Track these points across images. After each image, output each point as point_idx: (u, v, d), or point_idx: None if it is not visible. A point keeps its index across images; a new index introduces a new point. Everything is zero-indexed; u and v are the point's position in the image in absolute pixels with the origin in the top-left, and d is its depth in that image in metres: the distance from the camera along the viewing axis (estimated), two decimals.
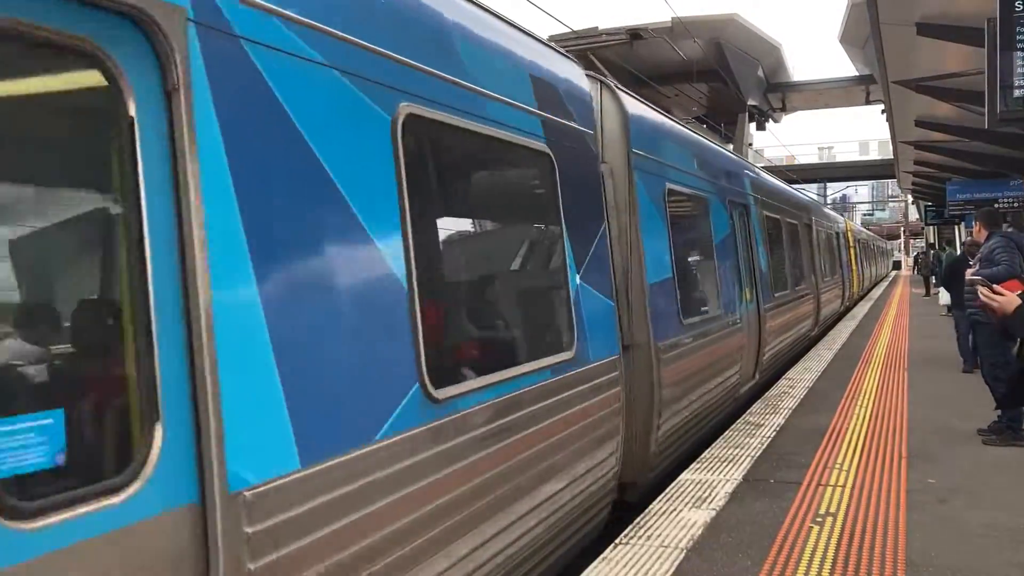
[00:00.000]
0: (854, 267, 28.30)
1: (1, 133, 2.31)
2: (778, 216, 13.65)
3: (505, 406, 4.10)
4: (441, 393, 3.58)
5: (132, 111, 2.38)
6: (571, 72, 5.80)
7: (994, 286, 3.85)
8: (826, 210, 25.37)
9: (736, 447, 7.73)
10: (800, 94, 43.65)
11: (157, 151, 2.44)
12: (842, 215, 35.05)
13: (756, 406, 9.83)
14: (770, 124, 44.94)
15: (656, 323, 6.66)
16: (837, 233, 23.73)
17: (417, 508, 3.39)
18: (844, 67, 42.69)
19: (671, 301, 7.20)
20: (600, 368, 5.39)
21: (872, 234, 54.40)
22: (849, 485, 6.43)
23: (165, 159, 2.47)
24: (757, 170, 13.90)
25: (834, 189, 73.58)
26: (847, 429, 8.37)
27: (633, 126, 6.76)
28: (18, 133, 2.34)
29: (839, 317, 22.34)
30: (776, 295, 12.22)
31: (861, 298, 30.96)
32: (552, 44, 5.80)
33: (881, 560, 4.91)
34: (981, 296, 3.84)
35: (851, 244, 28.22)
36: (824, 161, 64.11)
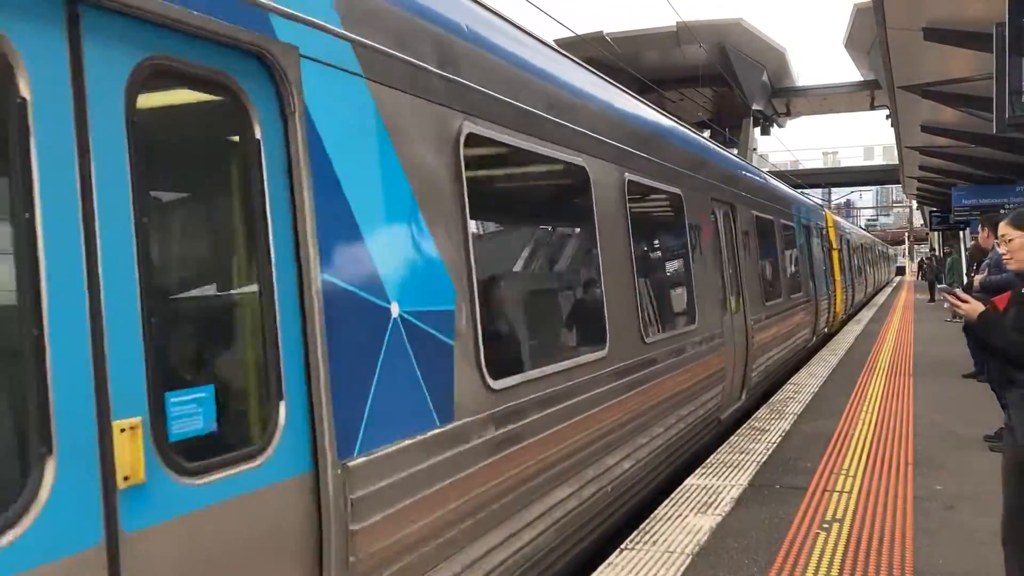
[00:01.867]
0: (838, 278, 21.35)
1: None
2: (638, 179, 6.55)
3: None
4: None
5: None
6: None
7: (958, 292, 4.01)
8: (786, 191, 16.24)
9: (741, 452, 7.70)
10: (805, 99, 43.69)
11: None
12: (824, 205, 25.39)
13: (761, 411, 9.79)
14: (775, 129, 45.00)
15: None
16: (807, 228, 16.86)
17: None
18: (849, 72, 42.71)
19: None
20: None
21: (867, 234, 45.51)
22: (856, 491, 6.39)
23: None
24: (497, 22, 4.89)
25: (839, 194, 73.53)
26: (853, 435, 8.33)
27: None
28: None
29: (811, 353, 15.95)
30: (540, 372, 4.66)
31: (850, 317, 24.97)
32: None
33: (889, 567, 4.87)
34: (949, 303, 4.05)
35: (835, 246, 21.75)
36: (829, 166, 64.10)
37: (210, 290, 3.06)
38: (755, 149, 43.99)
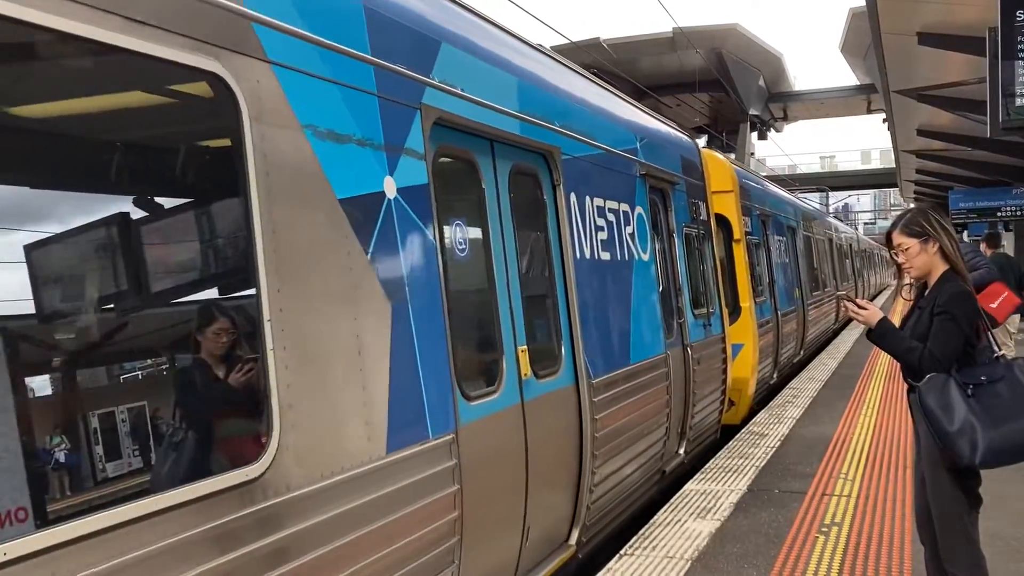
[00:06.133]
0: (748, 304, 10.78)
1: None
2: None
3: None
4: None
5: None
6: None
7: (858, 300, 4.04)
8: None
9: (740, 457, 7.72)
10: (801, 104, 43.80)
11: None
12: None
13: (760, 416, 9.82)
14: (772, 133, 45.11)
15: None
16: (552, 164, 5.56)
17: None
18: (845, 76, 42.85)
19: None
20: None
21: (838, 223, 29.96)
22: (854, 495, 6.42)
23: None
24: None
25: (836, 198, 73.62)
26: (851, 439, 8.36)
27: None
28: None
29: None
30: None
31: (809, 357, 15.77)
32: None
33: (888, 570, 4.89)
34: (847, 309, 4.04)
35: (739, 236, 10.88)
36: (826, 170, 64.22)
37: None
38: (753, 154, 44.10)
